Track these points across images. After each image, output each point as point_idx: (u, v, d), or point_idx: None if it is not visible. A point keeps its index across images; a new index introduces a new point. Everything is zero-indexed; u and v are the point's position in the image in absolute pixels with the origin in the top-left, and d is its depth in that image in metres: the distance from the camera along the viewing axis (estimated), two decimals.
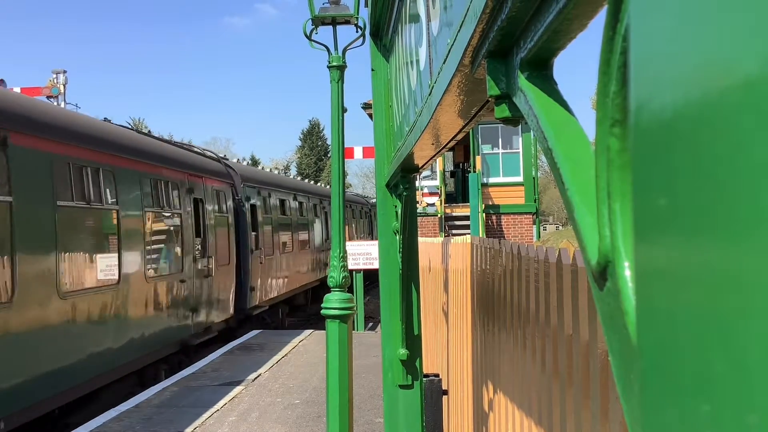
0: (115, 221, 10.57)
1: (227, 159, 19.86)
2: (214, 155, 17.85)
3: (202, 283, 14.24)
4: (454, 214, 20.44)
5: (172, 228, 13.00)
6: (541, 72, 1.08)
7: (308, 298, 24.81)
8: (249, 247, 17.21)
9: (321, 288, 25.54)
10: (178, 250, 13.19)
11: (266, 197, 19.35)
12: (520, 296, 2.94)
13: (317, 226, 25.92)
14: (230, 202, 16.46)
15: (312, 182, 35.98)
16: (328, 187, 35.41)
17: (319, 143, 75.69)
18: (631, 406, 0.52)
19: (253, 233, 17.70)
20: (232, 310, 16.06)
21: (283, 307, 21.31)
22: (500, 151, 20.82)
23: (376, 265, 9.82)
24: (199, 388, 10.51)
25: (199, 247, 14.24)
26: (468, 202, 19.55)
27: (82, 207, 9.59)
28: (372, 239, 28.27)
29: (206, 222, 14.57)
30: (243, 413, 9.09)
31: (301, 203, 23.61)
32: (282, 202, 21.13)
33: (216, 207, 15.41)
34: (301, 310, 23.98)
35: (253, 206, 17.94)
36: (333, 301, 5.88)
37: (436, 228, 19.84)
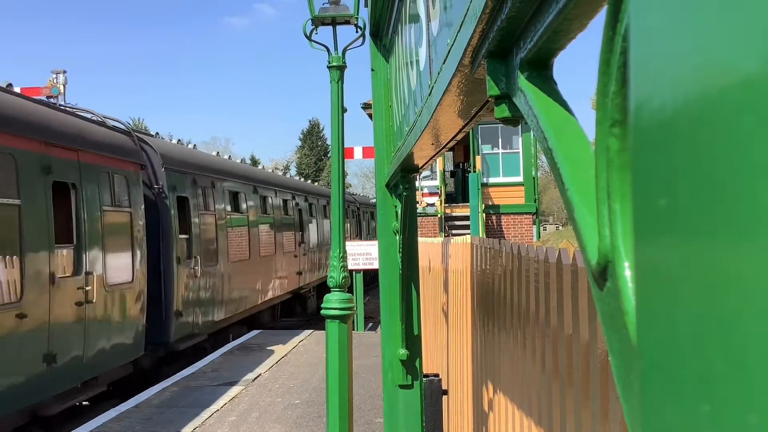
0: None
1: (149, 133, 14.72)
2: (120, 124, 12.44)
3: (70, 315, 9.12)
4: (454, 214, 20.44)
5: None
6: (541, 72, 1.08)
7: (277, 313, 20.42)
8: (174, 255, 12.46)
9: (294, 300, 22.16)
10: (10, 266, 7.94)
11: (207, 188, 14.51)
12: (520, 296, 2.94)
13: (290, 227, 21.18)
14: (139, 192, 11.47)
15: (310, 182, 34.86)
16: (304, 180, 32.77)
17: (319, 143, 75.70)
18: (631, 406, 0.52)
19: (183, 236, 13.04)
20: (141, 348, 11.28)
21: (237, 330, 16.47)
22: (500, 151, 20.83)
23: (376, 265, 9.81)
24: (199, 388, 10.51)
25: (67, 259, 9.30)
26: (468, 202, 19.55)
27: None
28: (360, 240, 25.01)
29: (83, 220, 9.56)
30: (243, 413, 9.09)
31: (264, 198, 18.67)
32: (235, 195, 16.40)
33: (109, 197, 10.43)
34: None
35: (182, 199, 13.19)
36: (333, 302, 5.88)
37: (436, 228, 19.84)
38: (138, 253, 11.28)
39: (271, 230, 19.03)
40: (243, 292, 16.28)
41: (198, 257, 13.52)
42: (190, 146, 17.46)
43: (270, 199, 19.21)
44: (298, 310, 22.45)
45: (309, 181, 36.58)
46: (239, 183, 16.87)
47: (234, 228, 16.08)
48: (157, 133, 15.43)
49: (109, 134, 11.20)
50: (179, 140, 17.57)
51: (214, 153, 19.73)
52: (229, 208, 15.87)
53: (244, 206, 16.95)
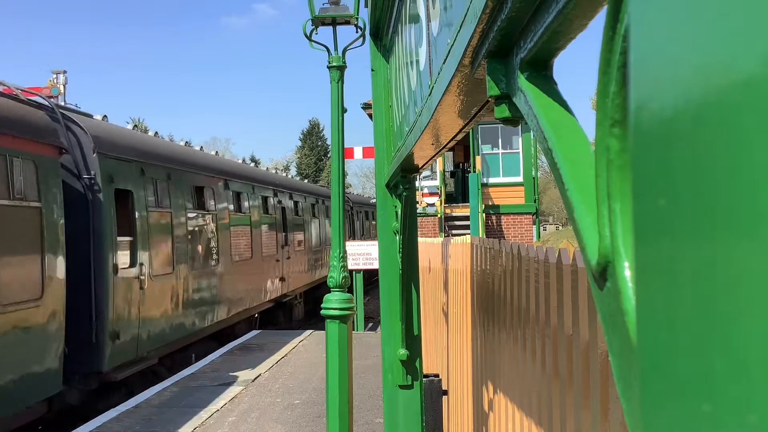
0: None
1: (85, 113, 11.50)
2: (41, 98, 10.07)
3: None
4: (454, 214, 20.44)
5: None
6: (541, 72, 1.08)
7: (255, 325, 17.81)
8: (110, 262, 10.02)
9: (277, 309, 19.58)
10: None
11: (160, 180, 12.08)
12: (520, 296, 2.94)
13: (271, 228, 18.75)
14: (56, 183, 8.87)
15: (310, 182, 34.19)
16: (302, 180, 31.20)
17: (319, 143, 75.72)
18: (631, 406, 0.52)
19: (125, 239, 10.69)
20: (59, 382, 8.87)
21: (202, 348, 14.01)
22: (500, 151, 20.83)
23: (376, 266, 9.81)
24: (199, 388, 10.51)
25: None
26: (468, 202, 19.55)
27: None
28: (354, 240, 23.02)
29: None
30: (243, 413, 9.09)
31: (239, 195, 16.35)
32: (199, 190, 13.92)
33: (5, 188, 7.97)
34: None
35: (124, 193, 10.73)
36: (333, 302, 5.88)
37: (436, 228, 19.84)
38: (52, 260, 8.59)
39: (247, 231, 16.74)
40: (208, 305, 13.94)
41: (145, 264, 11.12)
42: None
43: (246, 195, 16.90)
44: (281, 320, 20.04)
45: (310, 182, 36.00)
46: (205, 176, 14.39)
47: (197, 229, 13.65)
48: (99, 115, 12.06)
49: (8, 106, 8.42)
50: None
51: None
52: (190, 205, 13.36)
53: (211, 203, 14.59)
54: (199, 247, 13.72)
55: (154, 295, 11.48)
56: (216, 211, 14.81)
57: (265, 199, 18.53)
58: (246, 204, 16.90)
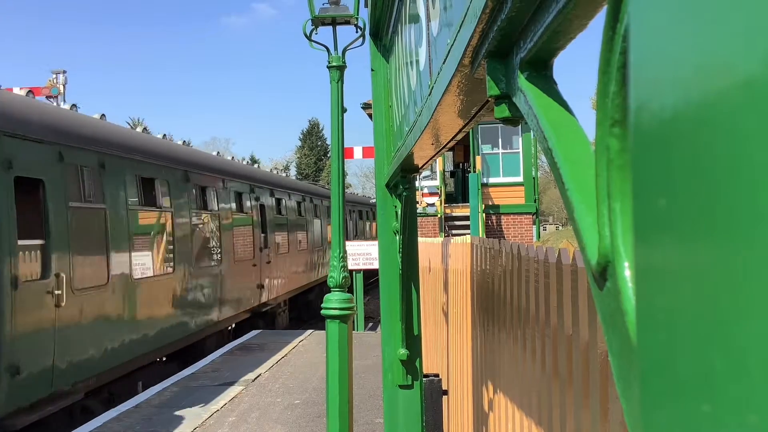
0: None
1: None
2: None
3: None
4: (454, 214, 20.45)
5: None
6: (540, 72, 1.08)
7: (228, 338, 15.89)
8: (9, 274, 7.56)
9: (257, 319, 17.70)
10: None
11: (89, 168, 9.55)
12: (520, 296, 2.94)
13: (247, 228, 16.66)
14: None
15: (310, 181, 33.59)
16: (302, 180, 29.62)
17: (319, 143, 75.75)
18: (631, 406, 0.52)
19: (33, 243, 8.13)
20: None
21: (155, 372, 11.83)
22: (500, 151, 20.84)
23: (376, 265, 9.81)
24: (199, 389, 10.51)
25: None
26: (468, 202, 19.55)
27: None
28: (346, 240, 22.57)
29: None
30: (243, 413, 9.09)
31: (203, 189, 14.00)
32: (148, 183, 11.49)
33: None
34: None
35: (32, 183, 8.23)
36: (333, 302, 5.88)
37: (436, 228, 19.84)
38: None
39: (216, 233, 14.36)
40: (161, 321, 11.57)
41: (63, 274, 8.52)
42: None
43: (213, 191, 14.48)
44: (261, 325, 17.86)
45: (310, 182, 35.57)
46: (158, 165, 11.82)
47: (145, 230, 11.30)
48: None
49: None
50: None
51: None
52: (135, 200, 10.92)
53: (166, 199, 12.09)
54: (148, 252, 11.28)
55: (78, 313, 8.91)
56: (172, 208, 12.26)
57: (239, 196, 16.27)
58: (213, 201, 14.50)
